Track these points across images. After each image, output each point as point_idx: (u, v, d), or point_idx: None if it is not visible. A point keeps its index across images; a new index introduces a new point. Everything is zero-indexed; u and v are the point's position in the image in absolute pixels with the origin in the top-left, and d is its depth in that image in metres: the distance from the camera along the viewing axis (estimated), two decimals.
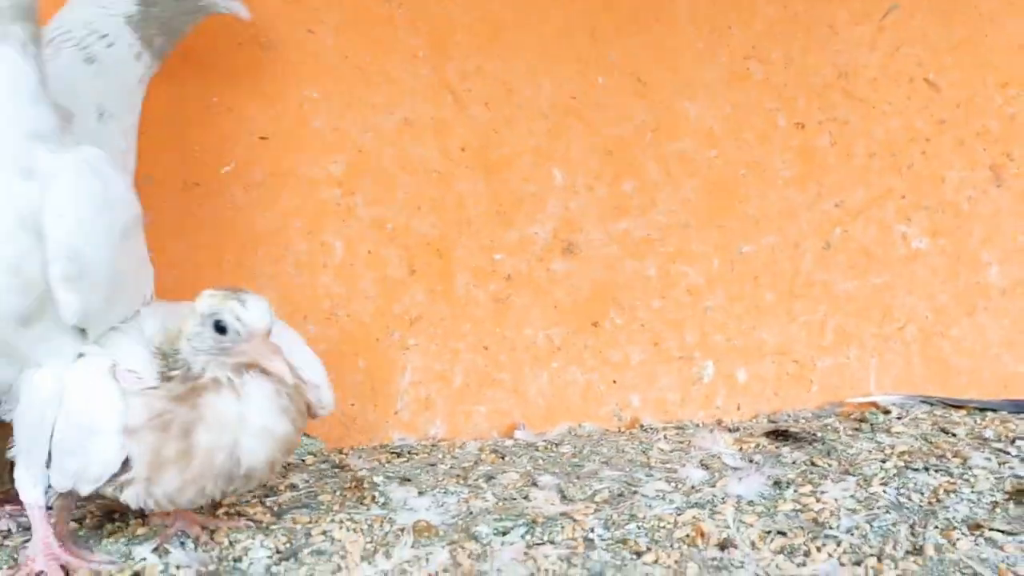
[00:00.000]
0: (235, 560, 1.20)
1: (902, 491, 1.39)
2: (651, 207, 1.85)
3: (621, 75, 1.82)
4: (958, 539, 1.20)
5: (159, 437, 1.10)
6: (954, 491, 1.39)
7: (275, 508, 1.37)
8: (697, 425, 1.85)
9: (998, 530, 1.23)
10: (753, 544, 1.20)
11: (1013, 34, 1.94)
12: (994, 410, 1.89)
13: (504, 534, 1.24)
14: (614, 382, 1.88)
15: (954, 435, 1.69)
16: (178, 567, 1.16)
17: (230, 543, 1.23)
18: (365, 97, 1.72)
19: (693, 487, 1.43)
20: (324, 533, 1.27)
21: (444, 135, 1.76)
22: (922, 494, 1.38)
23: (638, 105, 1.83)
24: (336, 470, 1.55)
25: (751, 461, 1.55)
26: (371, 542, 1.24)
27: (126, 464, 1.11)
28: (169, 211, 1.64)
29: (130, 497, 1.14)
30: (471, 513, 1.32)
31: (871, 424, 1.78)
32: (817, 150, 1.90)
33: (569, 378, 1.85)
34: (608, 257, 1.84)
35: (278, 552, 1.22)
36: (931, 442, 1.64)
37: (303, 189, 1.71)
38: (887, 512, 1.31)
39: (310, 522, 1.31)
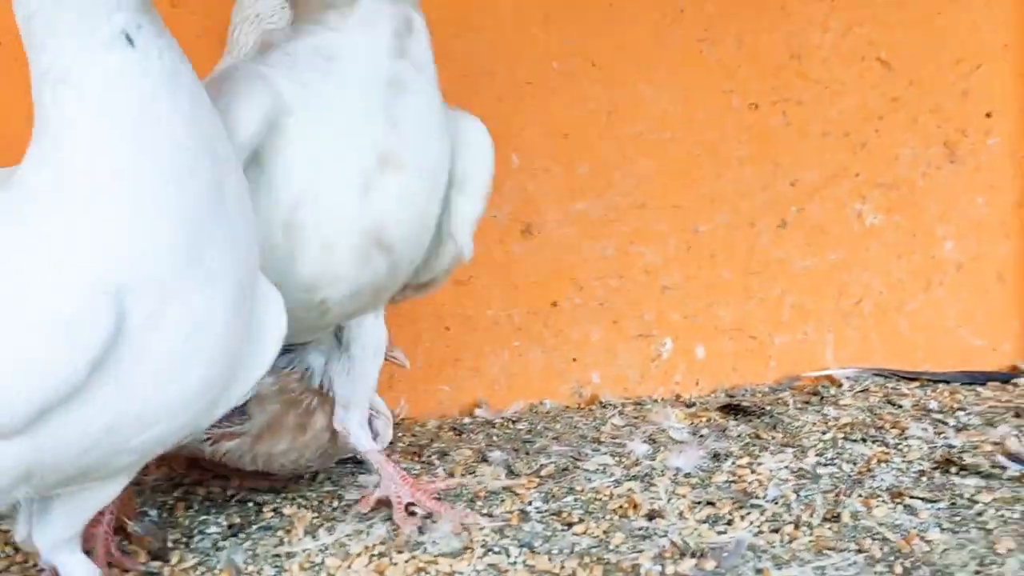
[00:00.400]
0: (188, 536, 1.25)
1: (835, 461, 1.44)
2: (608, 188, 1.89)
3: (576, 60, 1.86)
4: (877, 506, 1.25)
5: (285, 408, 1.28)
6: (886, 461, 1.44)
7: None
8: (655, 401, 1.89)
9: (919, 498, 1.27)
10: (681, 514, 1.25)
11: (965, 11, 1.96)
12: (947, 382, 1.93)
13: None
14: (574, 360, 1.92)
15: (899, 406, 1.73)
16: None
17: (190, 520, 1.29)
18: None
19: (635, 461, 1.47)
20: (275, 510, 1.33)
21: None
22: (854, 464, 1.43)
23: (593, 89, 1.87)
24: None
25: (698, 435, 1.60)
26: (318, 517, 1.29)
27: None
28: None
29: (231, 448, 1.28)
30: None
31: (822, 397, 1.82)
32: (771, 130, 1.94)
33: (530, 357, 1.90)
34: (566, 238, 1.88)
35: (229, 527, 1.27)
36: (875, 414, 1.69)
37: None
38: (814, 482, 1.35)
39: (265, 499, 1.37)
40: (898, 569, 1.06)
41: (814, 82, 1.94)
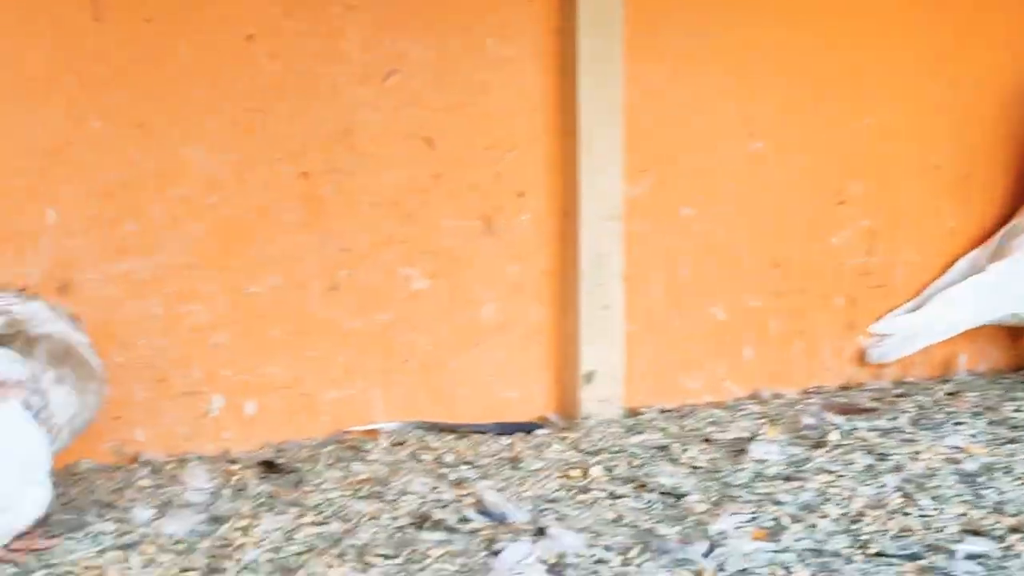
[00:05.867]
0: None
1: (330, 520, 1.55)
2: (156, 248, 1.91)
3: (121, 119, 1.87)
4: (336, 566, 1.36)
5: None
6: (376, 517, 1.57)
7: None
8: (200, 458, 1.92)
9: (381, 555, 1.41)
10: None
11: (501, 99, 2.20)
12: (482, 432, 2.14)
13: None
14: (117, 418, 1.91)
15: (420, 460, 1.90)
16: None
17: None
18: None
19: (132, 527, 1.50)
20: None
21: None
22: (347, 522, 1.55)
23: (140, 149, 1.89)
24: None
25: (216, 495, 1.65)
26: None
27: None
28: None
29: None
30: None
31: (359, 451, 1.95)
32: (323, 198, 2.06)
33: None
34: (109, 296, 1.88)
35: None
36: (394, 469, 1.83)
37: None
38: (299, 543, 1.45)
39: None
40: None
41: (365, 156, 2.09)
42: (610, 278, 2.24)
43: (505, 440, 2.09)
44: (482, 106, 2.19)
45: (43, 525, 1.45)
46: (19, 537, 1.38)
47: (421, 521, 1.56)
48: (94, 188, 1.85)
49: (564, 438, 2.08)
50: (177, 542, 1.45)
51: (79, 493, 1.67)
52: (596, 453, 1.94)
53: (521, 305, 2.27)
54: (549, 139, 2.25)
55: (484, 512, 1.59)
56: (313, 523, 1.55)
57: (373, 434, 2.09)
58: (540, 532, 1.50)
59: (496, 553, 1.42)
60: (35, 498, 1.37)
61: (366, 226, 2.11)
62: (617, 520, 1.57)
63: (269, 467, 1.85)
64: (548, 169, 2.25)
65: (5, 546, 1.37)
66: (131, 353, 1.91)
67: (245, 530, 1.50)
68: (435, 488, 1.72)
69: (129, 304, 1.90)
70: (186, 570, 1.35)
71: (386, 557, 1.41)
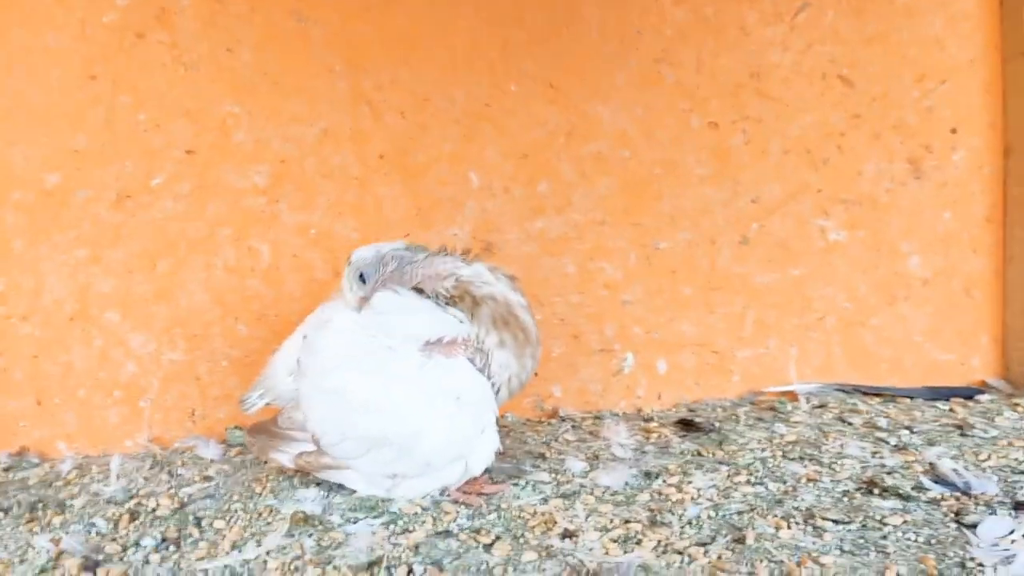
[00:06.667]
0: (124, 548, 1.31)
1: (764, 480, 1.45)
2: (567, 206, 1.93)
3: (534, 82, 1.89)
4: (785, 528, 1.26)
5: None
6: (815, 480, 1.45)
7: (184, 498, 1.49)
8: (616, 415, 1.92)
9: (830, 519, 1.29)
10: (595, 532, 1.28)
11: (927, 27, 1.96)
12: (911, 397, 1.93)
13: (353, 523, 1.34)
14: (536, 374, 1.95)
15: (849, 424, 1.74)
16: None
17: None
18: (285, 110, 1.82)
19: (569, 478, 1.50)
20: (211, 523, 1.38)
21: (362, 144, 1.85)
22: (783, 483, 1.44)
23: (551, 109, 1.90)
24: (255, 462, 1.66)
25: (640, 452, 1.62)
26: (249, 530, 1.34)
27: None
28: (104, 223, 1.77)
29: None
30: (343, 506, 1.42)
31: (777, 413, 1.83)
32: (731, 149, 1.95)
33: None
34: (526, 255, 1.92)
35: (163, 541, 1.33)
36: (823, 431, 1.69)
37: (230, 198, 1.82)
38: (737, 502, 1.37)
39: (204, 512, 1.42)
40: None
41: (774, 101, 1.95)
42: None
43: (942, 406, 1.86)
44: (907, 33, 1.96)
45: (487, 472, 1.50)
46: (469, 482, 1.44)
47: (869, 487, 1.41)
48: (511, 150, 1.90)
49: (1016, 404, 1.80)
50: (614, 494, 1.43)
51: (512, 444, 1.71)
52: None
53: (954, 256, 2.01)
54: (989, 65, 1.96)
55: (940, 481, 1.41)
56: (748, 482, 1.45)
57: (789, 395, 1.96)
58: (1019, 506, 1.29)
59: (970, 526, 1.24)
60: (487, 446, 1.42)
61: (777, 175, 1.97)
62: None
63: (687, 426, 1.78)
64: (987, 100, 1.97)
65: (458, 489, 1.43)
66: (547, 310, 1.94)
67: (678, 486, 1.44)
68: (875, 453, 1.56)
69: (545, 262, 1.93)
70: (628, 521, 1.32)
71: (837, 522, 1.28)
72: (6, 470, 1.67)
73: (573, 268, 1.94)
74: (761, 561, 1.17)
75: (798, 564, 1.15)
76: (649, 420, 1.86)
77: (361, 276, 1.44)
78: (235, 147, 1.82)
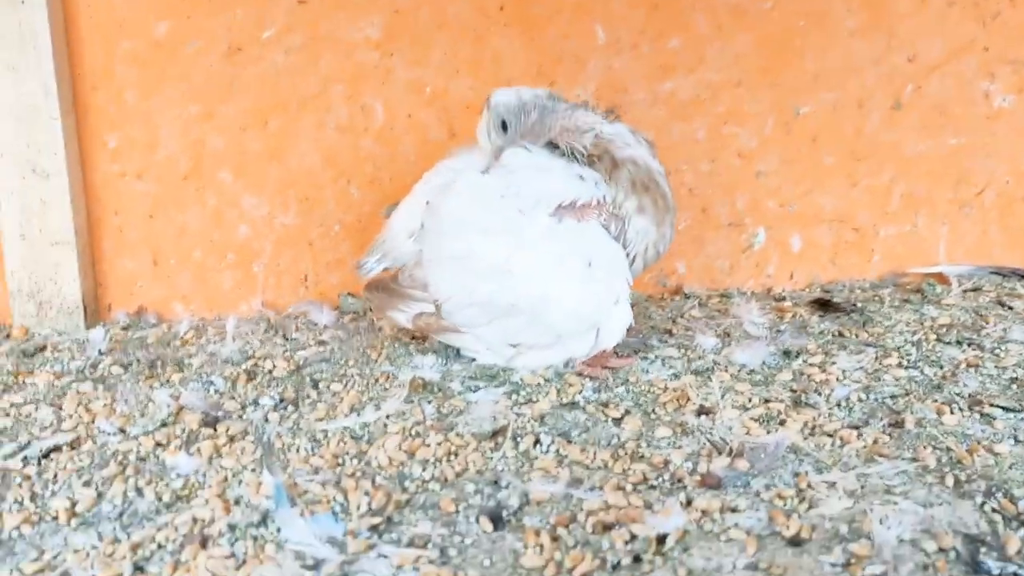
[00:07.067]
0: (242, 406, 1.28)
1: (918, 364, 1.33)
2: (699, 65, 1.77)
3: None
4: (948, 414, 1.15)
5: None
6: (977, 366, 1.32)
7: (299, 361, 1.45)
8: (744, 294, 1.80)
9: (1000, 407, 1.16)
10: (733, 411, 1.19)
11: None
12: None
13: (474, 391, 1.28)
14: None
15: (1010, 308, 1.58)
16: None
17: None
18: None
19: (700, 354, 1.41)
20: (329, 385, 1.34)
21: None
22: (940, 368, 1.32)
23: None
24: (369, 329, 1.61)
25: (775, 331, 1.51)
26: (366, 394, 1.30)
27: None
28: (215, 76, 1.70)
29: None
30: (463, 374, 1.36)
31: (924, 295, 1.69)
32: None
33: None
34: (654, 119, 1.78)
35: (281, 400, 1.29)
36: (980, 315, 1.55)
37: (342, 52, 1.73)
38: (889, 385, 1.26)
39: (320, 375, 1.38)
40: (949, 481, 0.98)
41: None
42: None
43: None
44: None
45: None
46: (595, 355, 1.35)
47: None
48: (641, 0, 1.74)
49: None
50: (751, 372, 1.33)
51: (635, 319, 1.62)
52: None
53: None
54: None
55: None
56: (900, 366, 1.33)
57: (938, 277, 1.80)
58: None
59: None
60: (620, 317, 1.32)
61: (939, 30, 1.76)
62: None
63: (824, 306, 1.65)
64: None
65: (584, 361, 1.35)
66: (674, 180, 1.78)
67: (821, 366, 1.33)
68: None
69: (674, 126, 1.79)
70: (769, 400, 1.22)
71: (1008, 410, 1.15)
72: (124, 328, 1.67)
73: (704, 134, 1.79)
74: (925, 447, 1.06)
75: (968, 451, 1.04)
76: (781, 299, 1.74)
77: (503, 124, 1.33)
78: None
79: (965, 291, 1.70)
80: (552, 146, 1.38)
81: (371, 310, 1.50)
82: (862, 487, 0.98)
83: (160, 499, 1.01)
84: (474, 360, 1.38)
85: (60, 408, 1.27)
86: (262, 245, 1.77)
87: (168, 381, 1.38)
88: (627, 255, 1.33)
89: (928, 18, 1.76)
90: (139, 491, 1.02)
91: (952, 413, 1.15)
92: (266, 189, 1.76)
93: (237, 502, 0.99)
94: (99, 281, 1.75)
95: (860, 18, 1.75)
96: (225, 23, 1.69)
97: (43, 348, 1.55)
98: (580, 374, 1.34)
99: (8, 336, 1.62)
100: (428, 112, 1.76)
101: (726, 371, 1.33)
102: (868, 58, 1.77)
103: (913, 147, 1.81)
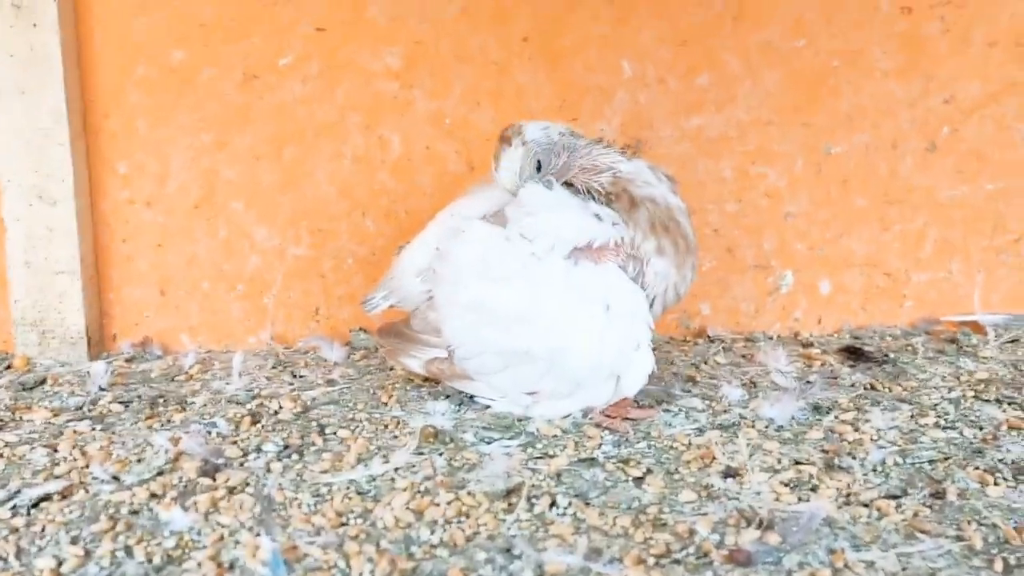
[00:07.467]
0: (244, 453, 1.22)
1: (956, 424, 1.26)
2: (729, 102, 1.71)
3: None
4: (992, 484, 1.07)
5: None
6: (1019, 428, 1.24)
7: (307, 402, 1.40)
8: (770, 338, 1.73)
9: (1011, 479, 1.09)
10: (761, 473, 1.12)
11: None
12: None
13: (488, 443, 1.22)
14: None
15: None
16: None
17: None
18: None
19: (726, 407, 1.34)
20: (335, 432, 1.28)
21: (504, 24, 1.67)
22: (979, 429, 1.24)
23: None
24: (380, 368, 1.56)
25: (804, 382, 1.44)
26: (375, 444, 1.24)
27: None
28: (229, 104, 1.66)
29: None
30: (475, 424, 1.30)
31: (959, 346, 1.62)
32: (926, 38, 1.69)
33: None
34: (680, 156, 1.72)
35: (285, 447, 1.24)
36: (1020, 370, 1.47)
37: (360, 81, 1.68)
38: (927, 448, 1.18)
39: (328, 419, 1.32)
40: (998, 566, 0.90)
41: None
42: None
43: None
44: None
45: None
46: (615, 404, 1.29)
47: None
48: (670, 34, 1.69)
49: None
50: (780, 428, 1.26)
51: (657, 364, 1.55)
52: None
53: None
54: None
55: None
56: (937, 426, 1.26)
57: (974, 326, 1.73)
58: None
59: None
60: (642, 364, 1.26)
61: (979, 71, 1.70)
62: None
63: (853, 354, 1.59)
64: None
65: (603, 411, 1.29)
66: (700, 219, 1.74)
67: (854, 424, 1.26)
68: None
69: (700, 164, 1.73)
70: (800, 462, 1.15)
71: None
72: (128, 361, 1.62)
73: (731, 172, 1.73)
74: (969, 522, 0.99)
75: (1017, 531, 0.97)
76: (809, 346, 1.67)
77: (538, 164, 1.28)
78: (368, 25, 1.66)
79: (1003, 343, 1.63)
80: (568, 184, 1.32)
81: (383, 353, 1.44)
82: (904, 569, 0.91)
83: (150, 560, 0.95)
84: (488, 407, 1.32)
85: (55, 450, 1.22)
86: (273, 277, 1.72)
87: (169, 421, 1.32)
88: (646, 296, 1.27)
89: (968, 59, 1.70)
90: (128, 551, 0.96)
91: (996, 484, 1.08)
92: (278, 220, 1.71)
93: (232, 567, 0.93)
94: (105, 310, 1.70)
95: (896, 60, 1.69)
96: (241, 50, 1.65)
97: (43, 381, 1.50)
98: (599, 425, 1.28)
99: (9, 367, 1.58)
100: (447, 144, 1.70)
101: (753, 426, 1.27)
102: (903, 99, 1.71)
103: (948, 191, 1.74)
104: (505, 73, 1.69)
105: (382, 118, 1.69)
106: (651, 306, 1.28)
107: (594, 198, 1.30)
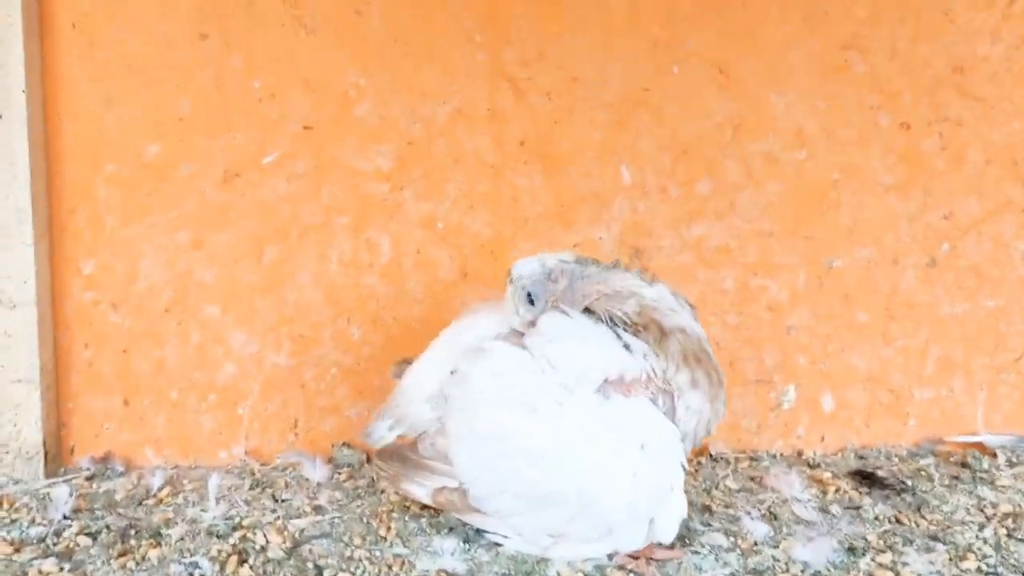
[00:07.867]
0: None
1: (998, 570, 1.19)
2: (729, 212, 1.67)
3: (700, 64, 1.63)
4: None
5: None
6: None
7: (296, 534, 1.26)
8: (774, 456, 1.66)
9: None
10: None
11: None
12: None
13: None
14: None
15: None
16: None
17: None
18: (415, 84, 1.59)
19: (754, 545, 1.25)
20: (335, 574, 1.15)
21: (500, 126, 1.61)
22: (1022, 573, 1.17)
23: (718, 98, 1.64)
24: (369, 490, 1.44)
25: (827, 513, 1.37)
26: None
27: None
28: (208, 202, 1.55)
29: None
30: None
31: (973, 471, 1.56)
32: (924, 155, 1.68)
33: None
34: (680, 266, 1.67)
35: None
36: None
37: (348, 182, 1.59)
38: None
39: (323, 558, 1.20)
40: None
41: (978, 101, 1.67)
42: None
43: None
44: None
45: None
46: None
47: None
48: (669, 142, 1.64)
49: None
50: (816, 574, 1.17)
51: None
52: None
53: None
54: None
55: None
56: (980, 571, 1.19)
57: (980, 448, 1.68)
58: None
59: None
60: (675, 507, 1.17)
61: (976, 189, 1.69)
62: None
63: (866, 479, 1.52)
64: None
65: (628, 553, 1.18)
66: None
67: (893, 568, 1.19)
68: None
69: (700, 274, 1.67)
70: None
71: None
72: (89, 479, 1.47)
73: (732, 284, 1.68)
74: None
75: None
76: (816, 467, 1.60)
77: (529, 296, 1.19)
78: (357, 124, 1.59)
79: (1014, 467, 1.58)
80: (588, 312, 1.24)
81: (381, 479, 1.32)
82: None
83: None
84: (500, 545, 1.20)
85: None
86: (249, 386, 1.60)
87: (144, 559, 1.18)
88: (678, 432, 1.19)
89: (964, 176, 1.69)
90: None
91: None
92: (257, 325, 1.59)
93: None
94: (63, 421, 1.55)
95: (896, 174, 1.67)
96: (222, 146, 1.56)
97: None
98: (623, 567, 1.17)
99: None
100: (439, 249, 1.62)
101: (788, 572, 1.18)
102: (903, 214, 1.69)
103: (949, 308, 1.71)
104: (501, 176, 1.62)
105: (371, 220, 1.61)
106: (683, 442, 1.20)
107: (618, 327, 1.22)
